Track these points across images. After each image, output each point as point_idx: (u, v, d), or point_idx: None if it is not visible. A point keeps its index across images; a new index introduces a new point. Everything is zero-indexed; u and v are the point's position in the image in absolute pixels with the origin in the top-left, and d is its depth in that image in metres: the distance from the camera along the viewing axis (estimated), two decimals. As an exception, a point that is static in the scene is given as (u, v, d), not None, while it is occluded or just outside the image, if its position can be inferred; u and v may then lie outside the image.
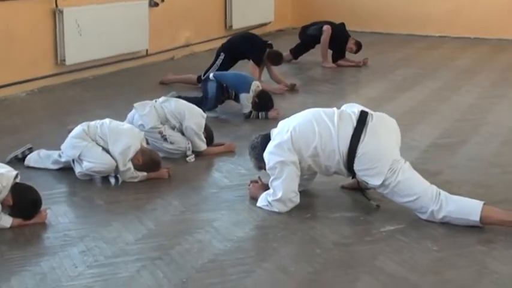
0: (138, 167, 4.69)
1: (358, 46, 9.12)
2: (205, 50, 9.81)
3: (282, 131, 4.20)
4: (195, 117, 5.28)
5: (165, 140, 5.18)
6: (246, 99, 6.34)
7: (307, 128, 4.13)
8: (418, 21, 11.90)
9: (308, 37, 9.26)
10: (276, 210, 4.16)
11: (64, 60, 7.63)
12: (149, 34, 8.83)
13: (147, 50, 8.95)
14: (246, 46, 7.73)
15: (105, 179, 4.73)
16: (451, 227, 3.94)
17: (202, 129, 5.29)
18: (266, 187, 4.29)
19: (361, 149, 4.02)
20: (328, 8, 11.99)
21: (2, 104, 6.85)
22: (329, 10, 11.66)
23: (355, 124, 4.08)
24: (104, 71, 8.24)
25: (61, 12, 7.51)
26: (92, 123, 4.82)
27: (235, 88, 6.43)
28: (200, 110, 5.42)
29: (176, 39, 9.59)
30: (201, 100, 6.35)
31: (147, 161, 4.71)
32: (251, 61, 7.66)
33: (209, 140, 5.38)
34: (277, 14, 11.94)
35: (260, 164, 4.33)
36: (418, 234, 3.88)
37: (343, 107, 4.35)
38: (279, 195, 4.14)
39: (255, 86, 6.36)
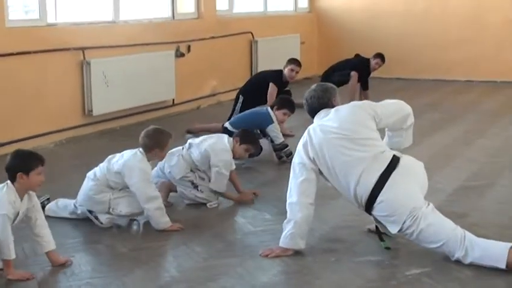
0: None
1: (381, 60, 9.46)
2: (231, 99, 9.85)
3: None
4: (220, 154, 5.20)
5: (196, 187, 5.16)
6: (275, 129, 6.28)
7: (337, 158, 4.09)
8: (444, 66, 11.91)
9: (335, 84, 9.31)
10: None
11: (91, 111, 7.75)
12: (175, 84, 8.95)
13: (173, 100, 9.06)
14: (263, 76, 7.90)
15: (128, 226, 4.74)
16: (479, 269, 3.86)
17: (230, 168, 5.22)
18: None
19: (380, 197, 4.00)
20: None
21: (30, 154, 6.92)
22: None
23: (382, 171, 4.01)
24: (131, 121, 8.34)
25: (88, 63, 7.65)
26: (96, 169, 4.80)
27: (258, 126, 6.37)
28: (224, 143, 5.27)
29: (202, 89, 9.70)
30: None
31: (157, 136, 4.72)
32: (271, 83, 7.71)
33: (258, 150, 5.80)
34: (303, 62, 11.90)
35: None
36: (445, 278, 3.80)
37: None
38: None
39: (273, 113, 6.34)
